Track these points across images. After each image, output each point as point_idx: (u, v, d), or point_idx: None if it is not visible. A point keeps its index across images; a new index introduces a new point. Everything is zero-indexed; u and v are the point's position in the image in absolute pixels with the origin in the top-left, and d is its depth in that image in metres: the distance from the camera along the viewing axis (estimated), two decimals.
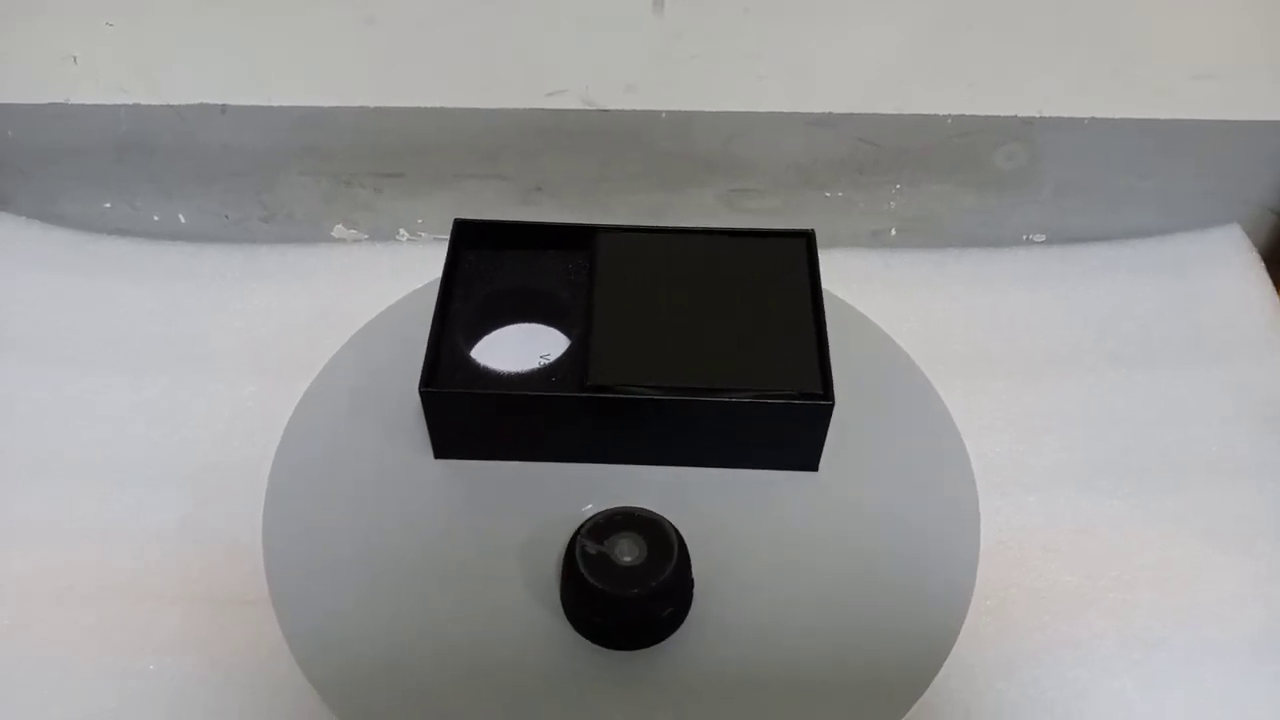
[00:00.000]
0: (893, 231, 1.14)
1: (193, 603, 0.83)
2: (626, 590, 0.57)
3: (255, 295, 1.05)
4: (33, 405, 0.96)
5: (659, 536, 0.59)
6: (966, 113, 1.02)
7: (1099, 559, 0.87)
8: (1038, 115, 1.03)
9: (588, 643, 0.60)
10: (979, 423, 0.95)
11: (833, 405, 0.64)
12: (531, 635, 0.60)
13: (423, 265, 1.05)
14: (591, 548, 0.58)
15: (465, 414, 0.67)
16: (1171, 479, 0.92)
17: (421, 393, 0.65)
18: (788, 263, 0.72)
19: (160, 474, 0.91)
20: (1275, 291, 1.07)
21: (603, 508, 0.60)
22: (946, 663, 0.60)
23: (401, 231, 1.14)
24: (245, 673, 0.79)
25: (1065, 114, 1.03)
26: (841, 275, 1.08)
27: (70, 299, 1.04)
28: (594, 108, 1.02)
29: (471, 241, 0.75)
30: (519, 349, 0.71)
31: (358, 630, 0.60)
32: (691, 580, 0.61)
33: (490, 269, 0.74)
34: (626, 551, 0.58)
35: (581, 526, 0.59)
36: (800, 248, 0.72)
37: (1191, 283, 1.07)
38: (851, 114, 1.02)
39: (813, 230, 0.73)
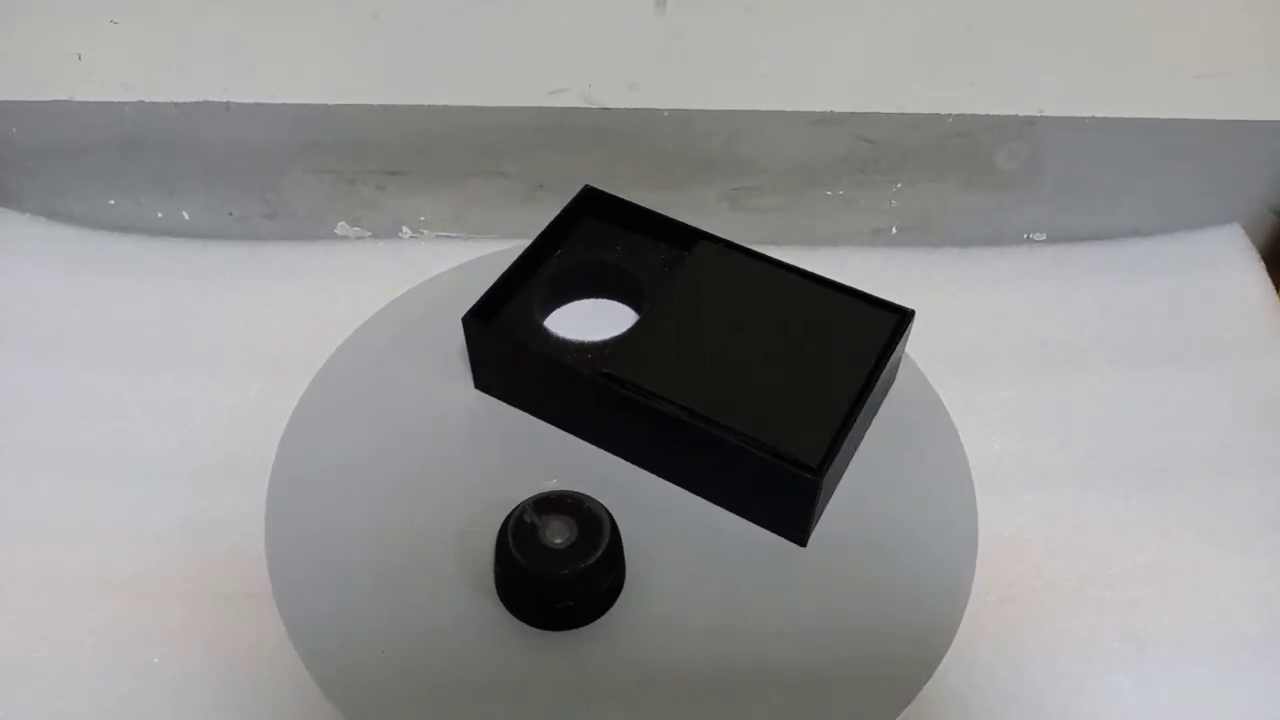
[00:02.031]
0: (893, 230, 1.14)
1: (196, 598, 0.83)
2: (555, 571, 0.57)
3: (258, 292, 1.06)
4: (36, 401, 0.96)
5: (590, 519, 0.59)
6: (967, 112, 1.03)
7: (1097, 557, 0.87)
8: (1038, 114, 1.03)
9: (524, 625, 0.61)
10: (979, 421, 0.95)
11: (819, 482, 0.60)
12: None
13: (426, 262, 1.05)
14: (528, 517, 0.59)
15: (495, 355, 0.69)
16: (1170, 478, 0.92)
17: (463, 319, 0.68)
18: (869, 331, 0.67)
19: (164, 470, 0.92)
20: (1275, 291, 1.07)
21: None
22: (945, 659, 0.60)
23: (404, 229, 1.14)
24: (249, 667, 0.80)
25: (1066, 113, 1.03)
26: (842, 273, 1.08)
27: (74, 296, 1.05)
28: (596, 106, 1.02)
29: (592, 210, 0.76)
30: (593, 321, 0.71)
31: (360, 625, 0.61)
32: (623, 564, 0.61)
33: (598, 240, 0.75)
34: (558, 533, 0.59)
35: (515, 509, 0.60)
36: (890, 323, 0.68)
37: (1191, 282, 1.07)
38: (853, 113, 1.03)
39: (912, 311, 0.68)
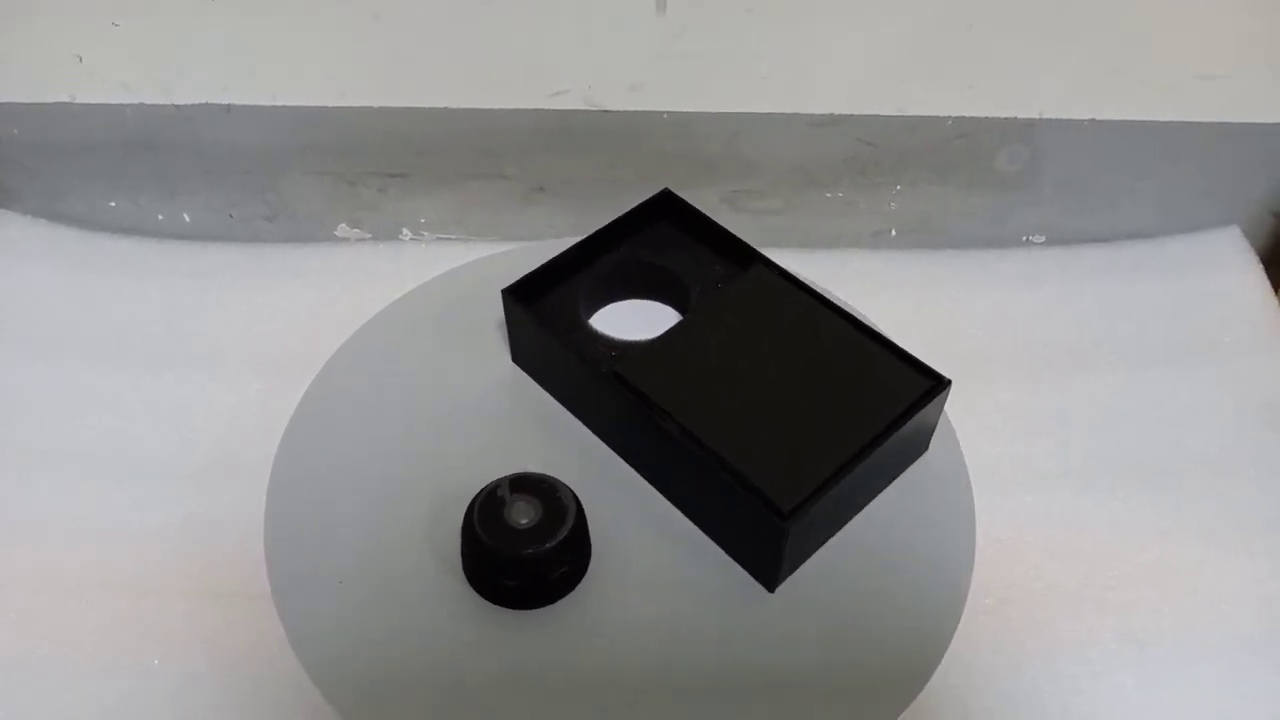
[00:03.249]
0: (893, 232, 1.14)
1: (196, 598, 0.84)
2: (519, 550, 0.58)
3: (259, 294, 1.06)
4: (38, 402, 0.96)
5: (556, 503, 0.60)
6: (967, 114, 1.03)
7: (1097, 558, 0.87)
8: (1038, 117, 1.03)
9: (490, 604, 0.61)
10: (978, 423, 0.95)
11: (786, 529, 0.57)
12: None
13: (426, 264, 1.05)
14: (500, 495, 0.59)
15: (528, 334, 0.70)
16: (1169, 479, 0.92)
17: (502, 292, 0.69)
18: (896, 391, 0.64)
19: (165, 470, 0.92)
20: (1274, 293, 1.07)
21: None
22: (945, 661, 0.60)
23: (405, 231, 1.14)
24: (249, 667, 0.80)
25: (1065, 115, 1.03)
26: (842, 276, 1.09)
27: (75, 297, 1.05)
28: (596, 108, 1.02)
29: (666, 214, 0.76)
30: (640, 320, 0.71)
31: (359, 626, 0.61)
32: (589, 543, 0.62)
33: (665, 244, 0.75)
34: (522, 513, 0.59)
35: (483, 490, 0.61)
36: (920, 387, 0.64)
37: (1191, 284, 1.08)
38: (853, 115, 1.03)
39: (948, 381, 0.65)
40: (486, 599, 0.62)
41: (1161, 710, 0.79)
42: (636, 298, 0.76)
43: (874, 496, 0.67)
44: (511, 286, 0.70)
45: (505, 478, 0.61)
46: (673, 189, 0.76)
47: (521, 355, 0.73)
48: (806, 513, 0.58)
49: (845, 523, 0.65)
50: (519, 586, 0.60)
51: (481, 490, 0.61)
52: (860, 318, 0.69)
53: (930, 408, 0.64)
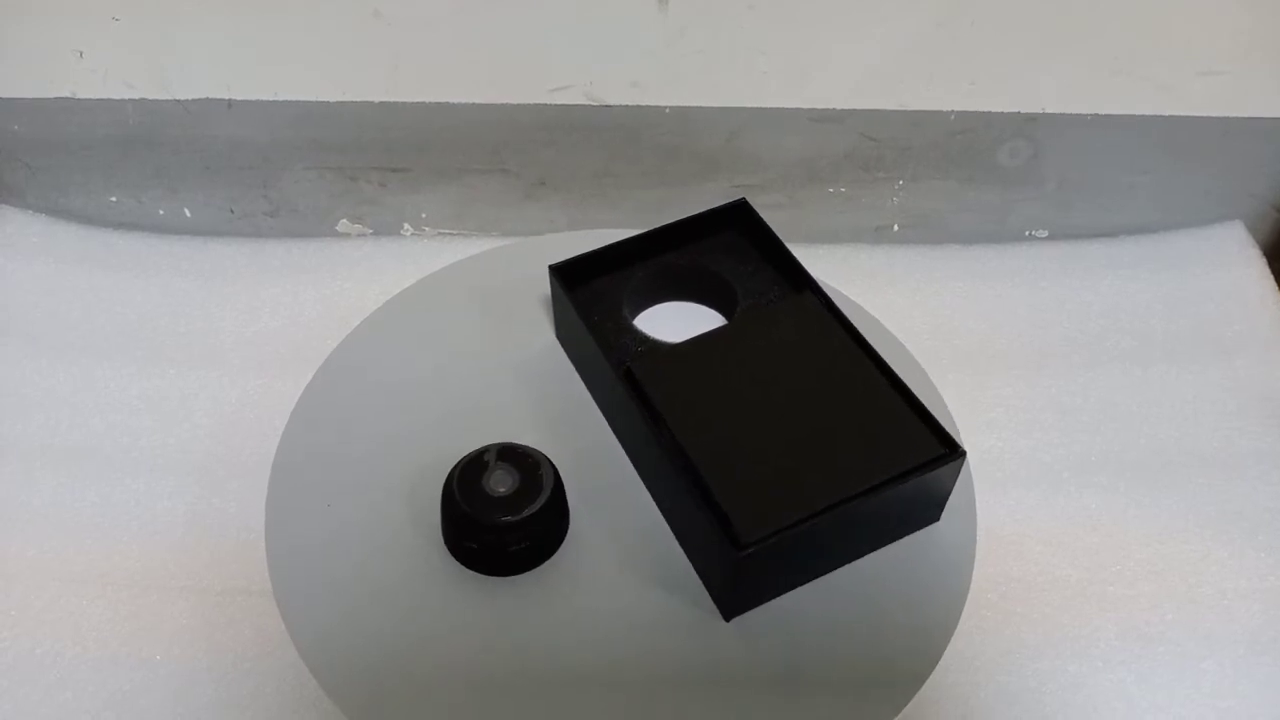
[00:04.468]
0: (895, 227, 1.14)
1: (199, 593, 0.84)
2: (495, 517, 0.59)
3: (260, 289, 1.06)
4: (40, 397, 0.96)
5: (532, 470, 0.61)
6: (969, 109, 1.03)
7: (1099, 553, 0.87)
8: (1040, 111, 1.03)
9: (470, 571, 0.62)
10: (981, 418, 0.95)
11: (741, 561, 0.55)
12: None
13: (427, 259, 1.06)
14: (486, 460, 0.61)
15: (567, 314, 0.70)
16: (1172, 473, 0.92)
17: (550, 267, 0.70)
18: (904, 449, 0.60)
19: (167, 465, 0.92)
20: (1277, 288, 1.07)
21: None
22: (947, 655, 0.60)
23: (406, 226, 1.14)
24: (250, 663, 0.80)
25: (1068, 110, 1.03)
26: (844, 271, 1.08)
27: (76, 292, 1.05)
28: (598, 103, 1.02)
29: (737, 224, 0.75)
30: (684, 323, 0.71)
31: (360, 621, 0.61)
32: (566, 512, 0.63)
33: (729, 253, 0.74)
34: (500, 482, 0.60)
35: (466, 456, 0.62)
36: (930, 451, 0.60)
37: (1193, 279, 1.07)
38: (854, 110, 1.03)
39: (963, 451, 0.60)
40: (462, 563, 0.62)
41: (1163, 706, 0.79)
42: (689, 300, 0.75)
43: (866, 553, 0.63)
44: (559, 265, 0.70)
45: (491, 445, 0.62)
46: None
47: (561, 334, 0.73)
48: (766, 549, 0.56)
49: (827, 571, 0.62)
50: (485, 551, 0.61)
51: (465, 456, 0.61)
52: (893, 368, 0.64)
53: (939, 474, 0.60)
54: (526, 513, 0.59)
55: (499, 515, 0.59)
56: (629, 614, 0.61)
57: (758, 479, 0.59)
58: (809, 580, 0.62)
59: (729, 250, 0.74)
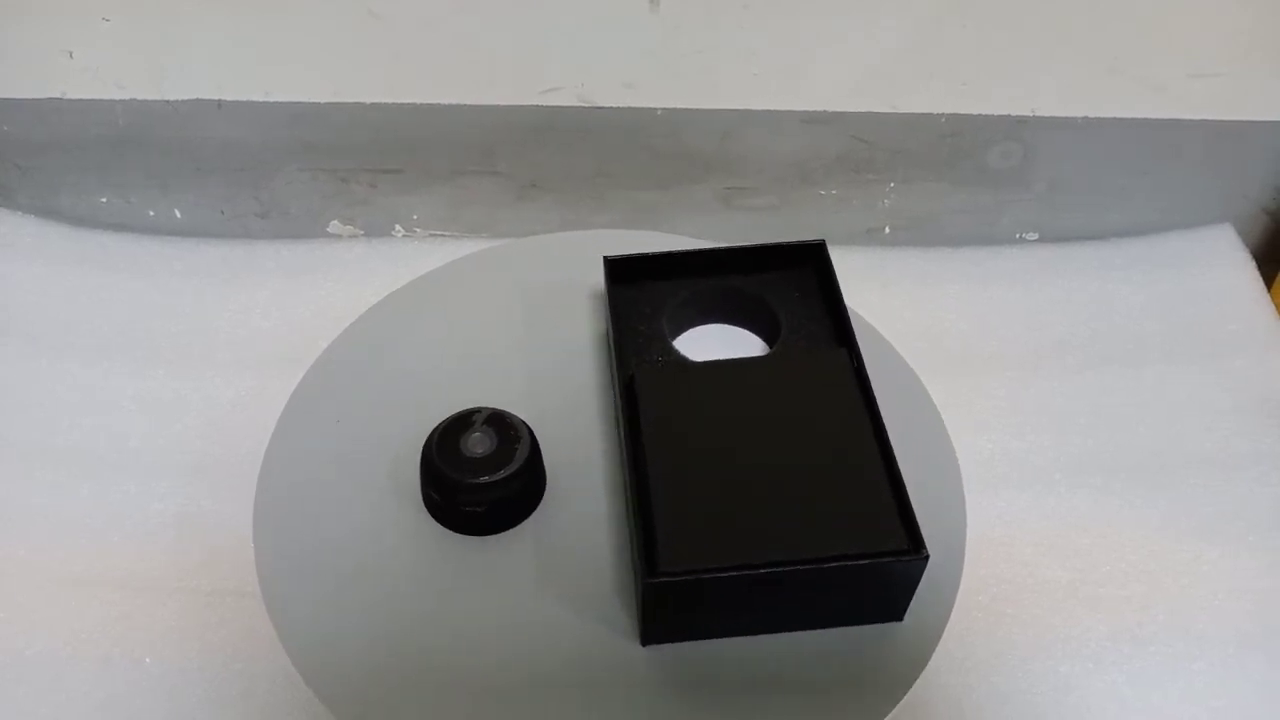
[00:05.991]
0: (887, 229, 1.14)
1: (191, 594, 0.83)
2: (473, 477, 0.61)
3: (251, 290, 1.06)
4: (31, 397, 0.96)
5: (508, 431, 0.62)
6: (960, 111, 1.03)
7: (1090, 554, 0.87)
8: (1031, 114, 1.03)
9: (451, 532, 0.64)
10: (972, 419, 0.95)
11: (652, 584, 0.55)
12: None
13: (418, 261, 1.05)
14: (473, 420, 0.63)
15: (610, 305, 0.71)
16: (1162, 475, 0.92)
17: (604, 258, 0.71)
18: (864, 534, 0.58)
19: (157, 466, 0.91)
20: (1266, 290, 1.07)
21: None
22: (938, 657, 0.60)
23: (397, 227, 1.14)
24: (241, 664, 0.80)
25: (1059, 113, 1.03)
26: (836, 273, 1.08)
27: (66, 293, 1.05)
28: (590, 105, 1.02)
29: (810, 262, 0.74)
30: (725, 342, 0.72)
31: (348, 623, 0.61)
32: (543, 472, 0.65)
33: (792, 286, 0.73)
34: (478, 444, 0.62)
35: (448, 418, 0.63)
36: (891, 543, 0.57)
37: (1183, 281, 1.08)
38: (846, 112, 1.03)
39: (927, 555, 0.57)
40: (445, 525, 0.64)
41: (1155, 707, 0.79)
42: (735, 324, 0.74)
43: (817, 628, 0.60)
44: (613, 258, 0.71)
45: (472, 409, 0.63)
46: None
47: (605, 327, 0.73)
48: (678, 586, 0.55)
49: (766, 631, 0.60)
50: (461, 509, 0.63)
51: (447, 418, 0.63)
52: (898, 453, 0.61)
53: (893, 568, 0.57)
54: (502, 474, 0.61)
55: (476, 476, 0.61)
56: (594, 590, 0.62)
57: (705, 515, 0.58)
58: (746, 634, 0.60)
59: (792, 286, 0.73)
